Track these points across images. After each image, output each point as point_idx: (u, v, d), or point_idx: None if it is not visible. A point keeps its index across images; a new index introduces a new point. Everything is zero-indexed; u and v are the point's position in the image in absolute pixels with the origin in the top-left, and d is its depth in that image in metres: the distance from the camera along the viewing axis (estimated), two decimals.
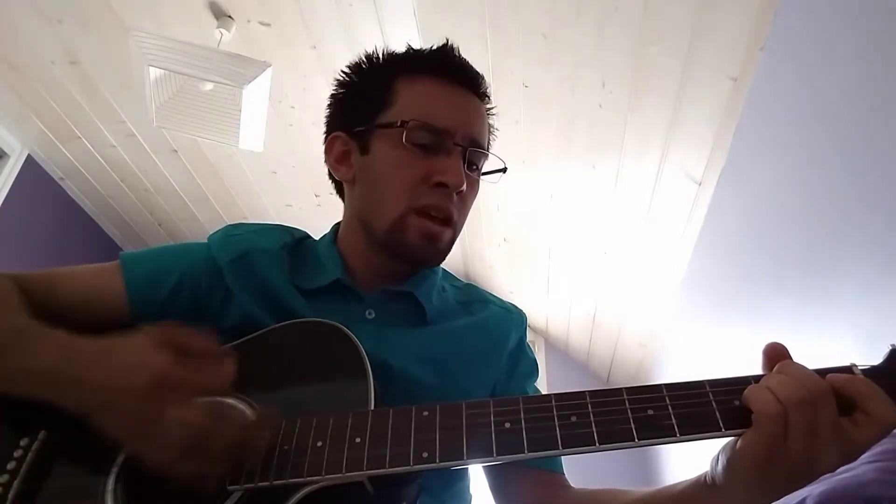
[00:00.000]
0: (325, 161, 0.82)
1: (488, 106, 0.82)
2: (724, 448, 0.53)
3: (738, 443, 0.50)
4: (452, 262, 3.22)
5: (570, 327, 3.25)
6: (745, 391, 0.50)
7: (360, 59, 0.82)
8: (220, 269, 0.76)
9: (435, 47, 0.79)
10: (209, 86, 1.97)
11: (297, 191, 2.94)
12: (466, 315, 0.82)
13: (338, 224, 0.86)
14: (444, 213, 0.73)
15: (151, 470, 0.52)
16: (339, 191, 0.85)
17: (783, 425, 0.48)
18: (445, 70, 0.78)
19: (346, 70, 0.82)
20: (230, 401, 0.63)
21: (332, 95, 0.84)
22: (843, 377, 0.50)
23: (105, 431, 0.54)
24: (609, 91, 2.00)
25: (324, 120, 0.85)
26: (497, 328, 0.81)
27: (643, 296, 2.73)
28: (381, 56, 0.81)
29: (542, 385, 3.30)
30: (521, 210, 2.69)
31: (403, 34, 2.09)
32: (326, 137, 0.82)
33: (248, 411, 0.58)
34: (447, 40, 0.80)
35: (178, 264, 0.76)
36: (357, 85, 0.81)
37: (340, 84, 0.82)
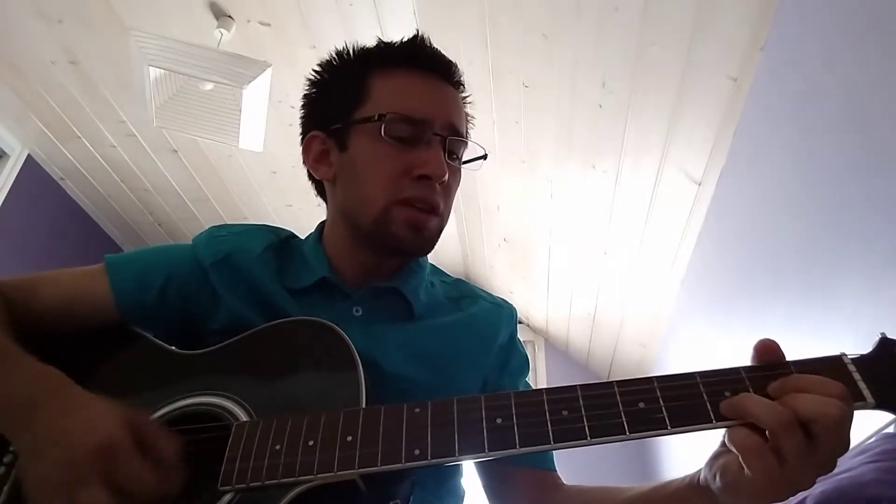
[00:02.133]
0: (304, 162, 0.81)
1: (463, 94, 0.81)
2: (723, 468, 0.51)
3: (740, 475, 0.48)
4: (452, 262, 3.22)
5: (570, 327, 3.25)
6: (729, 435, 0.49)
7: (332, 56, 0.80)
8: (205, 271, 0.75)
9: (406, 39, 0.78)
10: (209, 86, 1.97)
11: (297, 191, 2.94)
12: (456, 311, 0.81)
13: (322, 223, 0.85)
14: (428, 205, 0.72)
15: None
16: (320, 191, 0.84)
17: (774, 454, 0.46)
18: (418, 61, 0.77)
19: (318, 69, 0.81)
20: (224, 402, 0.63)
21: (305, 96, 0.82)
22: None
23: (24, 478, 0.52)
24: (609, 91, 2.00)
25: (298, 121, 0.84)
26: (487, 324, 0.80)
27: (643, 296, 2.73)
28: (352, 52, 0.79)
29: (542, 385, 3.30)
30: (521, 210, 2.69)
31: (403, 34, 2.09)
32: (303, 139, 0.81)
33: None
34: (417, 31, 0.79)
35: (165, 266, 0.76)
36: (330, 83, 0.79)
37: (312, 83, 0.81)
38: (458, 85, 0.80)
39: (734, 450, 0.48)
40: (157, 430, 0.55)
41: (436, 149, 0.73)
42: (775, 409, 0.47)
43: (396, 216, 0.71)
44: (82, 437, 0.51)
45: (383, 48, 0.78)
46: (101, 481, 0.49)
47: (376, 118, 0.72)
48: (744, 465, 0.47)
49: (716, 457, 0.53)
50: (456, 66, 0.80)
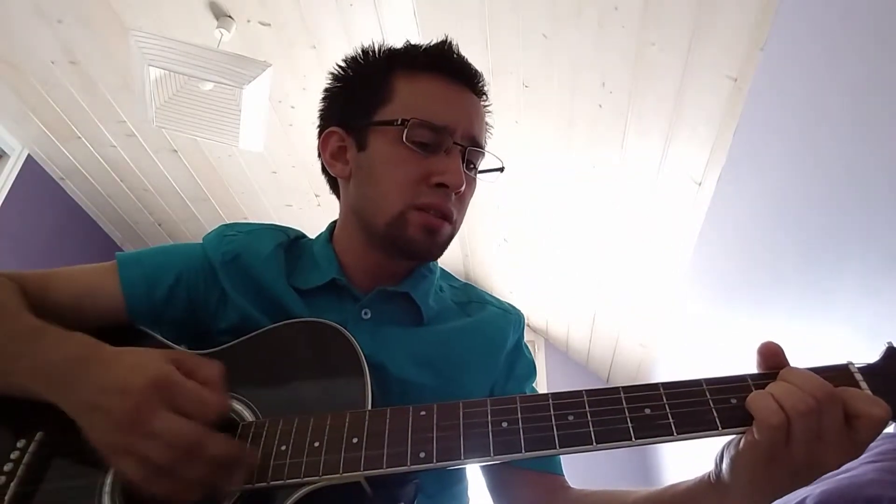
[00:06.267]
0: (320, 156, 0.81)
1: (485, 103, 0.81)
2: (727, 446, 0.53)
3: (741, 444, 0.50)
4: (452, 262, 3.22)
5: (570, 327, 3.25)
6: (749, 397, 0.50)
7: (357, 53, 0.80)
8: (215, 270, 0.76)
9: (434, 43, 0.78)
10: (209, 86, 1.97)
11: (297, 191, 2.94)
12: (464, 316, 0.81)
13: (333, 222, 0.84)
14: (443, 213, 0.72)
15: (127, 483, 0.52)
16: (334, 187, 0.84)
17: (785, 433, 0.48)
18: (445, 67, 0.76)
19: (342, 64, 0.80)
20: (230, 402, 0.64)
21: (327, 90, 0.82)
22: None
23: (90, 435, 0.54)
24: (609, 91, 2.00)
25: (317, 114, 0.83)
26: (495, 329, 0.80)
27: (643, 296, 2.73)
28: (378, 51, 0.79)
29: (542, 386, 3.30)
30: (521, 210, 2.69)
31: (403, 34, 2.09)
32: (321, 132, 0.81)
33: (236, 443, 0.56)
34: (446, 37, 0.79)
35: (175, 265, 0.76)
36: (353, 80, 0.79)
37: (336, 78, 0.81)
38: (480, 93, 0.80)
39: (752, 413, 0.50)
40: (197, 359, 0.58)
41: (455, 158, 0.72)
42: (796, 393, 0.49)
43: (412, 220, 0.71)
44: (134, 379, 0.53)
45: (410, 50, 0.78)
46: (166, 408, 0.51)
47: (399, 122, 0.72)
48: (753, 431, 0.49)
49: (727, 444, 0.54)
50: (481, 76, 0.79)
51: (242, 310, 0.73)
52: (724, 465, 0.53)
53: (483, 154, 0.78)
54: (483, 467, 0.78)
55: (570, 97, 2.10)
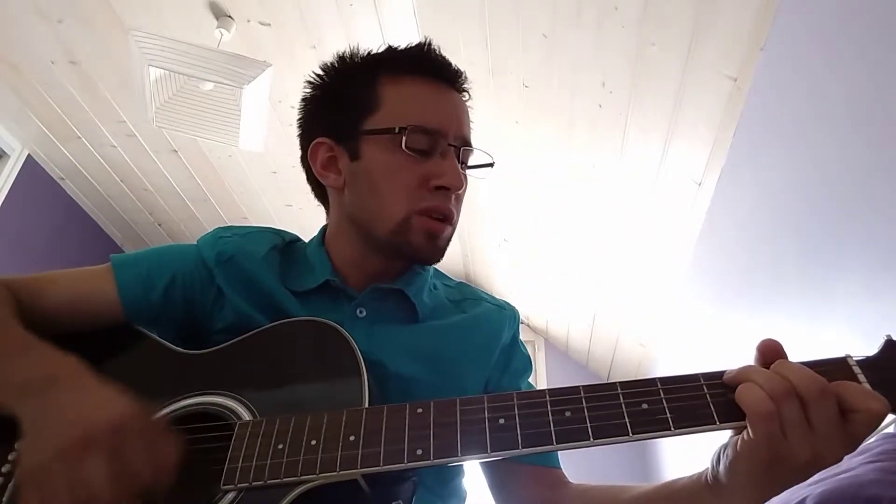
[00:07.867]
0: (311, 168, 0.80)
1: (466, 99, 0.82)
2: (724, 447, 0.53)
3: (739, 445, 0.50)
4: (452, 262, 3.23)
5: (570, 327, 3.25)
6: (737, 391, 0.50)
7: (333, 61, 0.80)
8: (210, 271, 0.76)
9: (414, 45, 0.78)
10: (209, 86, 1.97)
11: (297, 191, 2.94)
12: (459, 312, 0.81)
13: (325, 226, 0.85)
14: (443, 214, 0.73)
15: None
16: (320, 195, 0.84)
17: (777, 423, 0.47)
18: (428, 68, 0.77)
19: (321, 72, 0.80)
20: (227, 402, 0.64)
21: (306, 99, 0.81)
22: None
23: (24, 449, 0.53)
24: (609, 91, 2.00)
25: (297, 123, 0.83)
26: (490, 325, 0.81)
27: (643, 296, 2.73)
28: (358, 57, 0.79)
29: (542, 385, 3.30)
30: (521, 210, 2.69)
31: (403, 34, 2.09)
32: (307, 143, 0.80)
33: None
34: (426, 38, 0.79)
35: (170, 265, 0.76)
36: (335, 88, 0.79)
37: (315, 87, 0.80)
38: (462, 91, 0.80)
39: (742, 407, 0.49)
40: (165, 426, 0.56)
41: (451, 160, 0.73)
42: (775, 378, 0.49)
43: (415, 226, 0.72)
44: (97, 412, 0.52)
45: (393, 54, 0.78)
46: (107, 457, 0.50)
47: (396, 130, 0.72)
48: (748, 428, 0.48)
49: (724, 445, 0.53)
50: (463, 73, 0.80)
51: (239, 309, 0.74)
52: (721, 468, 0.52)
53: (472, 151, 0.79)
54: (482, 463, 0.78)
55: (570, 97, 2.10)
